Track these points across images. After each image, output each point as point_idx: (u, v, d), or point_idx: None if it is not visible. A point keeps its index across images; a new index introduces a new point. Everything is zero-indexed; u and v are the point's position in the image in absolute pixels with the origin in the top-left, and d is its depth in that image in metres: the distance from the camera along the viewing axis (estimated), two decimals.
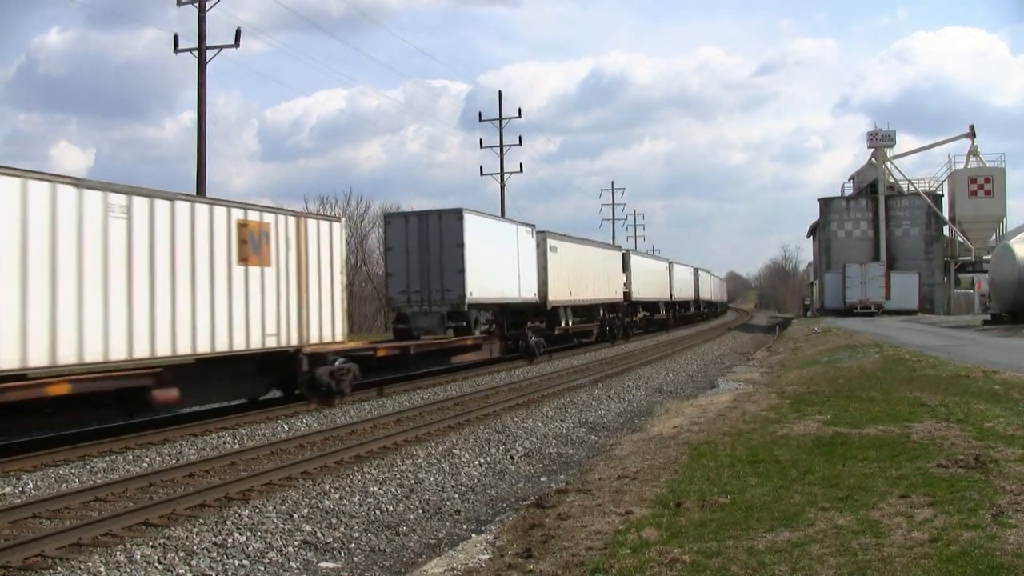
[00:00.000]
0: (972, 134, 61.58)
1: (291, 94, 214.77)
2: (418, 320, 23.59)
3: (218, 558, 7.43)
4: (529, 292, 27.68)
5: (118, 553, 7.40)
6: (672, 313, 55.29)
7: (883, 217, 59.36)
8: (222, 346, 14.07)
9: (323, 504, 9.22)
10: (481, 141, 45.87)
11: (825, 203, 62.69)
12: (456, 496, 9.96)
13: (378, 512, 9.13)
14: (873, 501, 7.08)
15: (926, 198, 59.92)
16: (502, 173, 44.62)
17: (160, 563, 7.21)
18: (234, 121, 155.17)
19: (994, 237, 57.83)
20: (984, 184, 59.53)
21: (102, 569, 7.06)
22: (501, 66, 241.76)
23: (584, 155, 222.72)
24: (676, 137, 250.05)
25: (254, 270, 14.92)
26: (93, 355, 11.74)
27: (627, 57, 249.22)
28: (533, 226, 28.76)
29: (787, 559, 5.72)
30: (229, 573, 7.14)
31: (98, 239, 11.91)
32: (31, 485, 10.36)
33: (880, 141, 60.83)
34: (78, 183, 11.75)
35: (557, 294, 29.92)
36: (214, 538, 7.91)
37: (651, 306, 48.24)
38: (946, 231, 60.71)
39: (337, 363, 16.90)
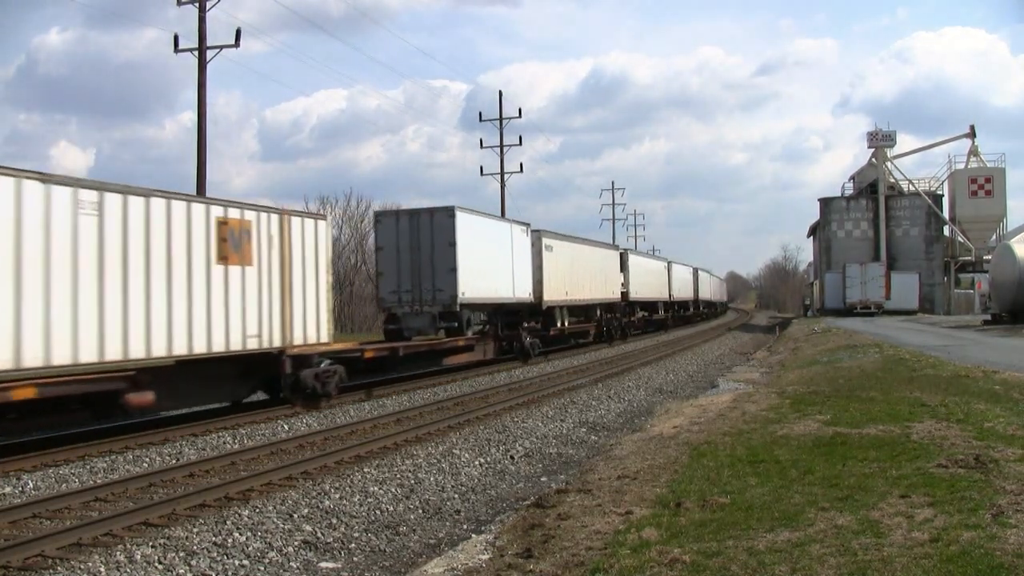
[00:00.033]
0: (972, 134, 61.63)
1: (291, 94, 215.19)
2: (409, 321, 23.20)
3: (218, 558, 7.43)
4: (524, 292, 27.34)
5: (118, 553, 7.41)
6: (671, 313, 55.24)
7: (883, 217, 59.37)
8: (200, 348, 13.67)
9: (323, 504, 9.23)
10: (481, 141, 45.99)
11: (825, 203, 62.70)
12: (456, 496, 9.96)
13: (378, 512, 9.14)
14: (873, 501, 7.08)
15: (926, 198, 59.91)
16: (502, 173, 44.67)
17: (160, 563, 7.21)
18: (234, 121, 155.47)
19: (994, 237, 57.87)
20: (984, 184, 59.55)
21: (102, 569, 7.06)
22: (501, 66, 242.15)
23: (584, 155, 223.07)
24: (676, 137, 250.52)
25: (234, 269, 14.51)
26: (61, 357, 11.27)
27: (627, 57, 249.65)
28: (528, 225, 28.34)
29: (787, 559, 5.73)
30: (229, 573, 7.14)
31: (67, 237, 11.46)
32: (31, 485, 10.36)
33: (880, 141, 60.84)
34: (45, 178, 11.29)
35: (553, 294, 29.63)
36: (214, 538, 7.91)
37: (649, 306, 48.11)
38: (946, 231, 60.71)
39: (323, 365, 16.52)
